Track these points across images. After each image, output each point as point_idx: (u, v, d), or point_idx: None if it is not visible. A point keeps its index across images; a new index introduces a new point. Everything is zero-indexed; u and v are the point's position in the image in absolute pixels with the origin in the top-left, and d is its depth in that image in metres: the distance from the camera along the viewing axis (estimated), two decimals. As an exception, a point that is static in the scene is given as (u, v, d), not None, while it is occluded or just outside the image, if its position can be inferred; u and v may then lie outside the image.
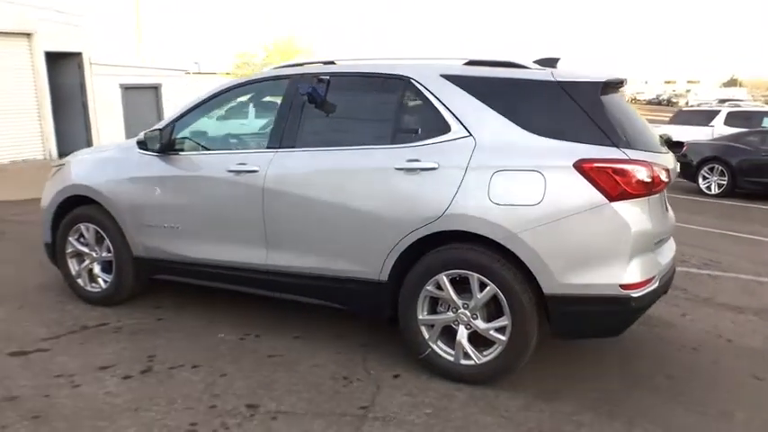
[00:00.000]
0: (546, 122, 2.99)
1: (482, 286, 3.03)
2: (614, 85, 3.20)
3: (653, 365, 3.46)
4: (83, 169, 4.34)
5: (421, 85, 3.26)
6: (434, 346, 3.21)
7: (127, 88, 12.86)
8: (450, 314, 3.16)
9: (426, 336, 3.22)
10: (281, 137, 3.56)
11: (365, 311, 3.52)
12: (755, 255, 6.42)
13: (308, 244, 3.45)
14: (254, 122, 6.97)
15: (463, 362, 3.15)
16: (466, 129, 3.09)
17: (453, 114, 3.14)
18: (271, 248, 3.57)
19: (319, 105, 3.44)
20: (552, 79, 3.04)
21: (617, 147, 2.86)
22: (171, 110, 13.69)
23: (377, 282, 3.30)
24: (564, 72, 3.09)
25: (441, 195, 3.05)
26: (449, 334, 3.21)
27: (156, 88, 13.50)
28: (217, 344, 3.71)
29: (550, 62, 3.41)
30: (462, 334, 3.13)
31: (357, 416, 2.87)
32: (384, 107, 3.41)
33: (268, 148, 3.61)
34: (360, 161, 3.30)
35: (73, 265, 4.41)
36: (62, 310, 4.27)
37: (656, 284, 3.00)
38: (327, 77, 3.46)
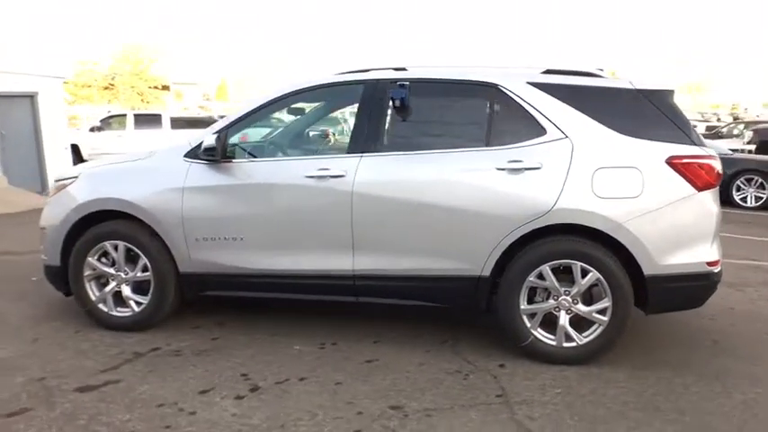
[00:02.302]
0: (631, 124, 3.38)
1: (583, 273, 3.34)
2: None
3: (695, 333, 4.01)
4: (109, 182, 3.93)
5: (510, 91, 3.49)
6: (536, 333, 3.45)
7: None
8: (552, 301, 3.42)
9: (528, 324, 3.45)
10: (365, 141, 3.58)
11: (462, 306, 3.65)
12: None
13: (404, 246, 3.50)
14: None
15: (566, 344, 3.42)
16: (561, 131, 3.38)
17: (547, 118, 3.41)
18: (359, 253, 3.55)
19: (409, 110, 3.53)
20: (632, 87, 3.45)
21: (695, 144, 3.34)
22: (53, 123, 12.27)
23: (478, 277, 3.46)
24: (639, 80, 3.51)
25: (547, 192, 3.30)
26: (545, 320, 3.47)
27: (32, 97, 12.00)
28: (299, 355, 3.59)
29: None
30: (564, 319, 3.41)
31: (501, 403, 3.01)
32: (474, 112, 3.60)
33: (350, 152, 3.60)
34: (458, 163, 3.44)
35: (92, 290, 3.96)
36: (87, 340, 3.83)
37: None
38: (408, 83, 3.56)
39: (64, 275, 4.00)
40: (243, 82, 65.52)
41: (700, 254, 3.31)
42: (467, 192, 3.40)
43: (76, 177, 4.03)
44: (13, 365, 3.44)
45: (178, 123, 16.66)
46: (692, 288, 3.36)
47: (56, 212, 3.99)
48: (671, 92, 3.47)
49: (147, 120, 16.39)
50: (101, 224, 3.89)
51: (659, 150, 3.30)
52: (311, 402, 3.01)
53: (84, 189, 3.93)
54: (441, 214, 3.42)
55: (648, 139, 3.33)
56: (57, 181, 4.23)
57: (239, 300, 4.10)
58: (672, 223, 3.27)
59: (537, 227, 3.33)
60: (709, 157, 3.32)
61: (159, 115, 16.77)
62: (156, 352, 3.65)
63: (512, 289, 3.42)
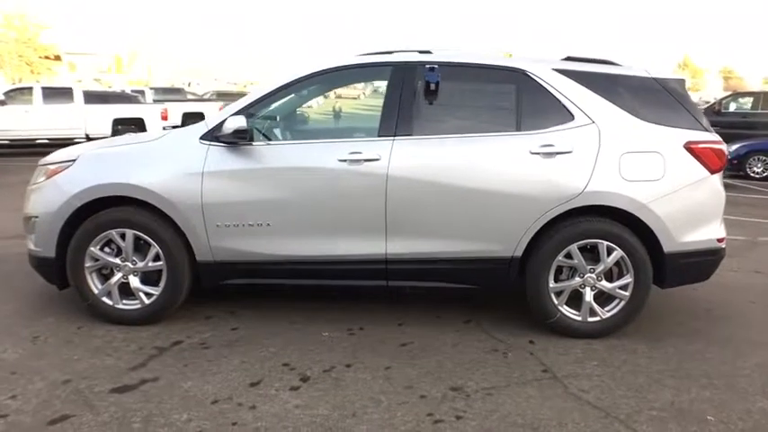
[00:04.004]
0: (650, 111, 3.58)
1: (608, 251, 3.54)
2: None
3: (687, 304, 4.35)
4: (118, 166, 3.63)
5: (537, 77, 3.58)
6: (562, 310, 3.62)
7: None
8: (578, 279, 3.59)
9: (556, 302, 3.61)
10: (396, 124, 3.54)
11: (492, 287, 3.74)
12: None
13: (439, 230, 3.52)
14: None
15: (590, 319, 3.61)
16: (588, 117, 3.53)
17: (574, 104, 3.54)
18: (392, 237, 3.54)
19: (440, 94, 3.53)
20: (649, 75, 3.66)
21: (707, 130, 3.61)
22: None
23: (510, 258, 3.56)
24: (654, 69, 3.72)
25: (578, 176, 3.45)
26: (570, 298, 3.64)
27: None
28: (332, 342, 3.55)
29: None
30: (590, 295, 3.59)
31: (551, 378, 3.14)
32: (503, 96, 3.65)
33: (380, 136, 3.55)
34: (492, 147, 3.50)
35: (93, 282, 3.67)
36: (95, 336, 3.58)
37: None
38: (437, 66, 3.56)
39: (60, 267, 3.68)
40: (137, 54, 61.47)
41: (711, 231, 3.60)
42: (500, 175, 3.47)
43: (72, 161, 3.68)
44: (25, 368, 3.14)
45: (91, 98, 15.46)
46: (704, 263, 3.66)
47: (50, 199, 3.64)
48: (682, 81, 3.72)
49: (57, 93, 14.97)
50: (104, 211, 3.60)
51: (677, 136, 3.53)
52: (370, 389, 2.99)
53: (88, 174, 3.61)
54: (476, 197, 3.48)
55: (666, 125, 3.56)
56: (42, 165, 3.84)
57: (239, 288, 3.93)
58: (689, 204, 3.53)
59: (569, 208, 3.47)
60: (720, 142, 3.60)
61: (70, 89, 15.39)
62: (179, 346, 3.46)
63: (542, 268, 3.55)
